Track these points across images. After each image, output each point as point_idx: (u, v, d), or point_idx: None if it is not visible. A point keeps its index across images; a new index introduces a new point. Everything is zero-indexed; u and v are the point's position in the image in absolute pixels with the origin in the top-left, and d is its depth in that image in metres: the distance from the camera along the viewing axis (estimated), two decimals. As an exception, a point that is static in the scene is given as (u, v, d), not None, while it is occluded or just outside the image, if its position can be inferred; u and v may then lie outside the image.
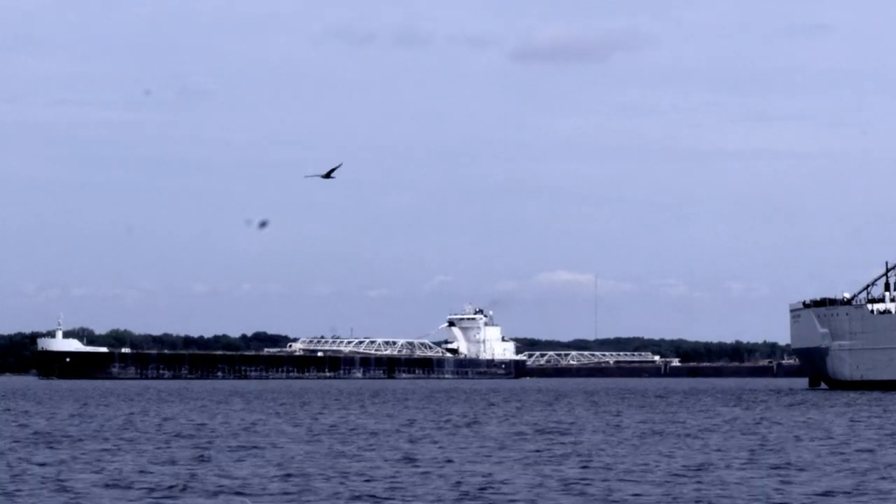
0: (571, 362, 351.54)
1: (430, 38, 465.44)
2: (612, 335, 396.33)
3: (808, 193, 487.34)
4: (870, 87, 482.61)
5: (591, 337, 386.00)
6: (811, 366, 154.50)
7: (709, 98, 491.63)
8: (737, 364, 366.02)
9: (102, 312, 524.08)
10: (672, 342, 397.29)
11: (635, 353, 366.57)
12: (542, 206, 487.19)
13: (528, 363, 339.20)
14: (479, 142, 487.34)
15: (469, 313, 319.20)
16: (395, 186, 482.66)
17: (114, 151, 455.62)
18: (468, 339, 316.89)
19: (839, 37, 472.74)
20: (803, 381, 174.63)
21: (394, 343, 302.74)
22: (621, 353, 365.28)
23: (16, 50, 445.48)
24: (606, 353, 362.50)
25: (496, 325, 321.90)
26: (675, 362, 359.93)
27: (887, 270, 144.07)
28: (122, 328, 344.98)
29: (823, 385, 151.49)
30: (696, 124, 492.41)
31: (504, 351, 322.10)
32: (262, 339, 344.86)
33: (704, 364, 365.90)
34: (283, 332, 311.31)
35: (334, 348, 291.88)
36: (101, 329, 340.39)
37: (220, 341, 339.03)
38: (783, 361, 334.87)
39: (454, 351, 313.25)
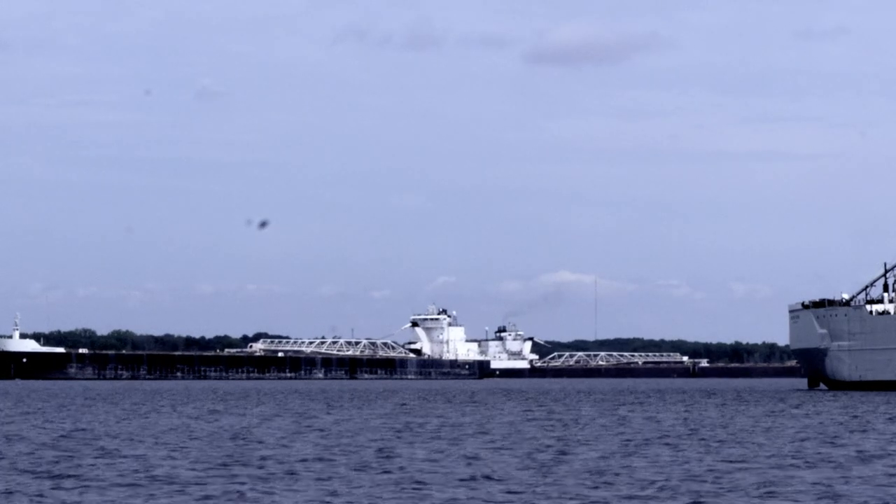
0: (600, 363, 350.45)
1: (443, 40, 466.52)
2: (611, 336, 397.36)
3: (810, 194, 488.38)
4: (870, 89, 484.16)
5: (590, 337, 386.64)
6: (810, 367, 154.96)
7: (711, 99, 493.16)
8: (765, 365, 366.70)
9: (106, 313, 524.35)
10: (672, 343, 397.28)
11: (663, 354, 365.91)
12: (545, 206, 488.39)
13: (558, 364, 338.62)
14: (483, 143, 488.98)
15: (432, 313, 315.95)
16: (399, 187, 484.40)
17: (119, 152, 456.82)
18: (431, 340, 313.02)
19: (840, 39, 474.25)
20: (801, 382, 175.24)
21: (356, 343, 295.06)
22: (649, 354, 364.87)
23: (22, 52, 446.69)
24: (635, 354, 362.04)
25: (460, 326, 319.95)
26: (704, 363, 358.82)
27: (886, 272, 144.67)
28: (124, 329, 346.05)
29: (822, 386, 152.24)
30: (698, 125, 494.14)
31: (468, 352, 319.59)
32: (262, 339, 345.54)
33: (734, 364, 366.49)
34: (286, 333, 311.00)
35: (295, 349, 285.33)
36: (103, 330, 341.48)
37: (222, 342, 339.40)
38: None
39: (417, 351, 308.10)
